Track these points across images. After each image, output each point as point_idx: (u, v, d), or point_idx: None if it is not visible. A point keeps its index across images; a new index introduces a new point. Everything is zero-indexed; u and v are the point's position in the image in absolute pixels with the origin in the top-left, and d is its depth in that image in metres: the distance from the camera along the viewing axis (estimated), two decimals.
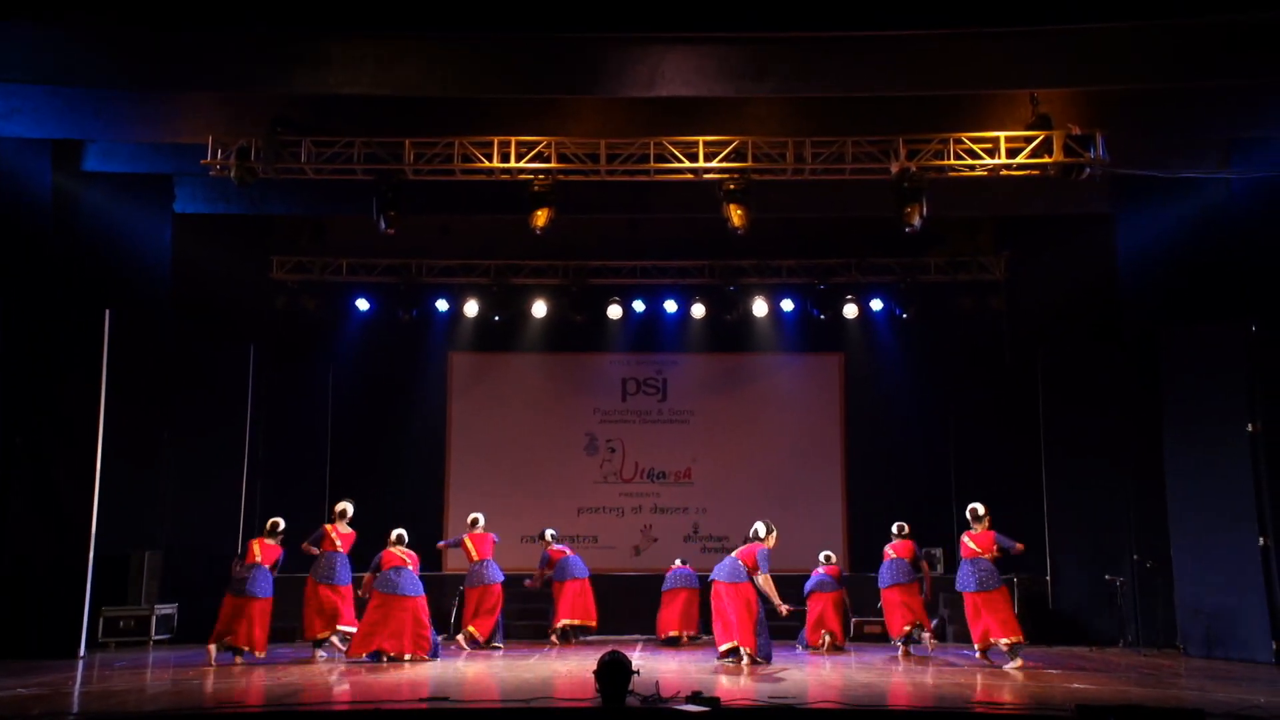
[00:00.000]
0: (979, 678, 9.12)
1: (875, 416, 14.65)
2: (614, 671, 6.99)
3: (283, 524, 10.68)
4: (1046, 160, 10.17)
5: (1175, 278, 11.48)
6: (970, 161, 10.39)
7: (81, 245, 11.21)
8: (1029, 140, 10.20)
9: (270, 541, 10.55)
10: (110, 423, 11.02)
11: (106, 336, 10.93)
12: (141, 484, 12.02)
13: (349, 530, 10.97)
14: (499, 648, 11.58)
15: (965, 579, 10.23)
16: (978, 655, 10.18)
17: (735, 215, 10.56)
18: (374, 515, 10.85)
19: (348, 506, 11.00)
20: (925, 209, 10.39)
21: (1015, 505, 12.53)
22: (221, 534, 12.31)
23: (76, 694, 8.21)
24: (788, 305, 14.48)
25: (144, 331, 11.79)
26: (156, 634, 11.75)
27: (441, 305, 14.47)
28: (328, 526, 10.90)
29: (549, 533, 12.53)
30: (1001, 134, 10.26)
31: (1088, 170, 10.08)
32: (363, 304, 14.42)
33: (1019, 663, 9.81)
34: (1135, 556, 11.77)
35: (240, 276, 13.54)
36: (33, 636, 10.52)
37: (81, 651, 10.59)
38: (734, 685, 8.47)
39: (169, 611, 12.06)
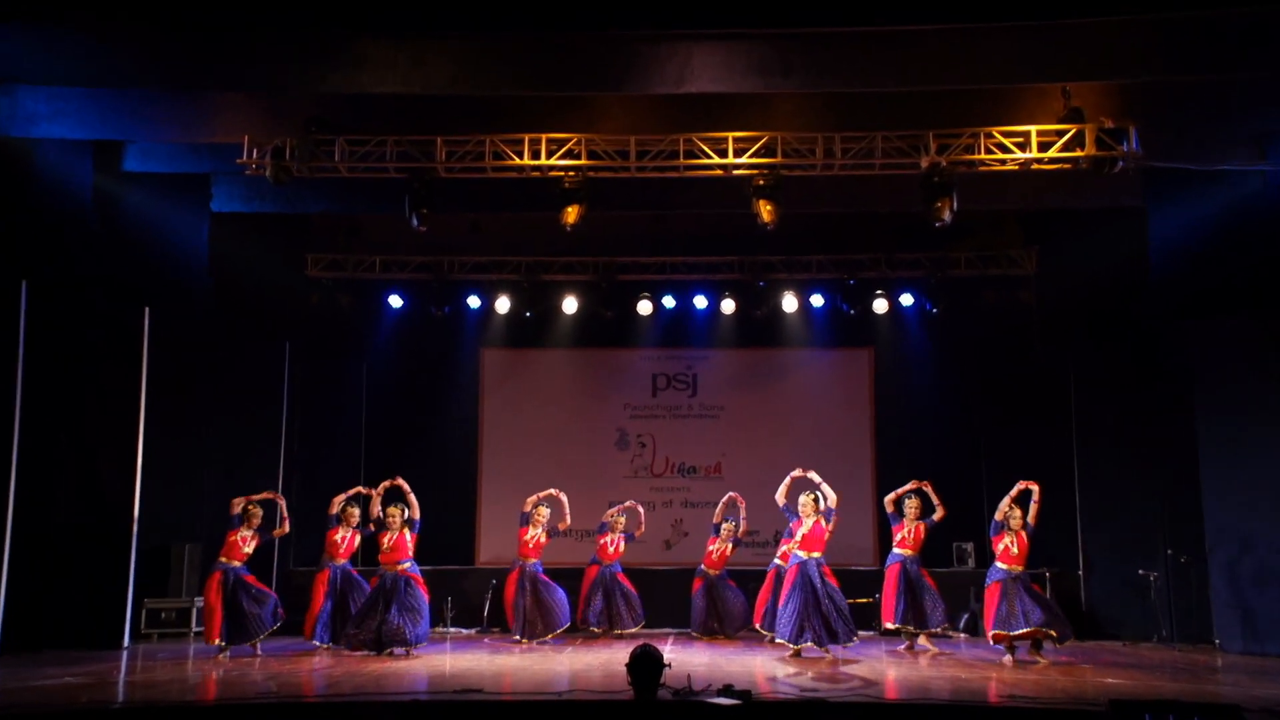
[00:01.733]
0: (1009, 673, 9.04)
1: (905, 411, 14.54)
2: (646, 664, 7.01)
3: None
4: (1079, 154, 10.04)
5: (1208, 270, 11.32)
6: (1001, 156, 10.27)
7: (121, 244, 11.29)
8: (1061, 134, 10.06)
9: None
10: (150, 418, 11.15)
11: (146, 333, 11.05)
12: (181, 478, 12.11)
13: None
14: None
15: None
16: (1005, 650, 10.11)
17: (765, 211, 10.48)
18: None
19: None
20: (955, 203, 10.29)
21: (1047, 500, 12.25)
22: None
23: (121, 683, 8.36)
24: (817, 300, 14.38)
25: (182, 328, 11.87)
26: (197, 626, 11.81)
27: (473, 302, 14.46)
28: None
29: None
30: (1033, 128, 10.14)
31: (1120, 164, 9.94)
32: (396, 301, 14.43)
33: (1045, 660, 9.74)
34: (1169, 550, 11.63)
35: (276, 274, 13.56)
36: (78, 627, 10.64)
37: (125, 642, 10.76)
38: (767, 678, 8.45)
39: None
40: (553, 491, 11.86)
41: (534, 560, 11.76)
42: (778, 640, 10.29)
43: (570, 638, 11.99)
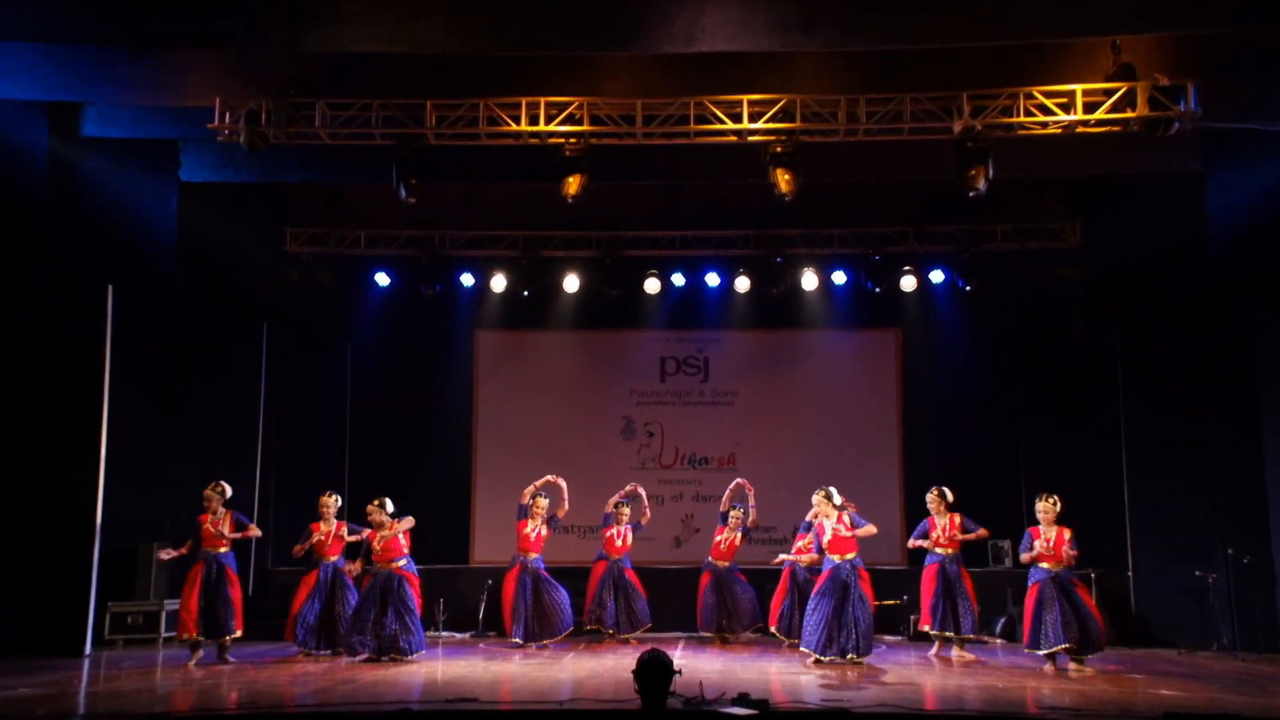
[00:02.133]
0: (1050, 682, 9.01)
1: (935, 398, 14.50)
2: (654, 671, 6.93)
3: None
4: (1129, 115, 9.89)
5: (1273, 243, 11.16)
6: (1043, 118, 10.15)
7: (81, 216, 11.19)
8: (1109, 93, 9.93)
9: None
10: (115, 407, 11.08)
11: (110, 315, 10.97)
12: (149, 472, 12.08)
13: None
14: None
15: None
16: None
17: (782, 180, 10.44)
18: (398, 503, 10.87)
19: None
20: (991, 171, 10.19)
21: (1092, 494, 12.36)
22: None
23: (82, 694, 8.32)
24: (839, 278, 14.34)
25: (149, 308, 11.81)
26: (166, 631, 11.83)
27: (466, 279, 14.45)
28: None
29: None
30: (1078, 87, 10.01)
31: (1176, 125, 9.78)
32: (382, 278, 14.41)
33: (1090, 670, 9.70)
34: (1230, 551, 11.48)
35: (251, 249, 13.51)
36: (35, 634, 10.62)
37: (87, 649, 10.71)
38: (785, 686, 8.43)
39: (179, 607, 12.09)
40: (550, 478, 11.87)
41: (535, 555, 11.75)
42: (802, 649, 10.27)
43: (573, 642, 11.99)
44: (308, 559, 11.21)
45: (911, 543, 11.04)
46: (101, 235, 11.37)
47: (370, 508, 10.62)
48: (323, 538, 11.11)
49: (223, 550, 10.43)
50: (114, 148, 11.39)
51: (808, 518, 11.33)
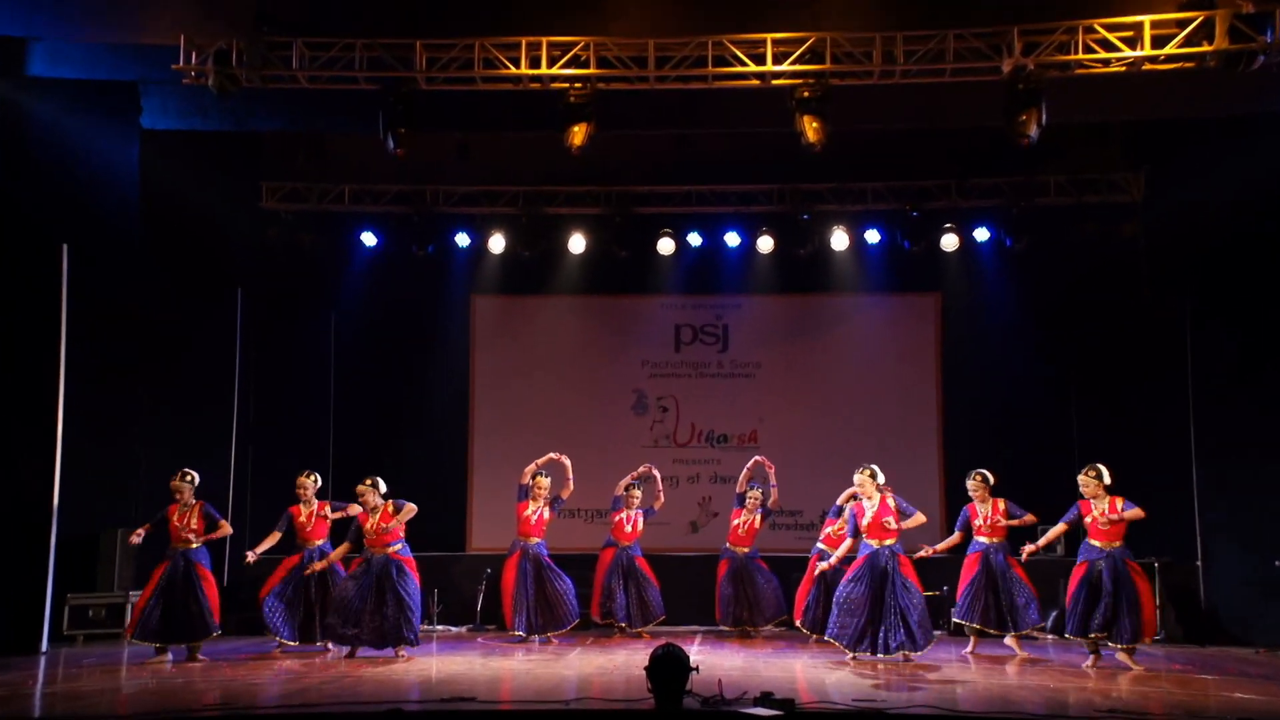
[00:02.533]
0: (1111, 683, 8.90)
1: (979, 370, 14.40)
2: (669, 668, 6.95)
3: None
4: (1206, 49, 9.74)
5: None
6: (1104, 55, 10.01)
7: (29, 166, 11.05)
8: (1182, 25, 9.78)
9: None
10: (72, 379, 10.98)
11: (65, 277, 10.86)
12: (111, 452, 11.99)
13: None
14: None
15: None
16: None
17: (810, 129, 10.41)
18: (388, 486, 10.75)
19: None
20: (1044, 116, 10.12)
21: (1156, 475, 12.16)
22: None
23: (38, 695, 8.25)
24: (873, 236, 14.24)
25: (109, 271, 11.69)
26: None
27: (462, 240, 14.42)
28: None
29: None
30: (1146, 18, 9.86)
31: (1261, 59, 9.60)
32: (369, 238, 14.36)
33: (1139, 667, 9.63)
34: None
35: (223, 206, 13.38)
36: None
37: (44, 646, 10.67)
38: (813, 684, 8.41)
39: None
40: (553, 455, 11.82)
41: (537, 540, 11.71)
42: (828, 639, 10.21)
43: (580, 635, 11.98)
44: (289, 542, 11.12)
45: (954, 538, 10.89)
46: (53, 188, 11.21)
47: (362, 488, 10.54)
48: (304, 520, 11.04)
49: (194, 546, 10.33)
50: (66, 90, 11.27)
51: (839, 501, 11.25)
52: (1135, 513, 9.82)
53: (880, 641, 9.86)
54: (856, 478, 10.32)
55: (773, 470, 12.14)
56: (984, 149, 13.12)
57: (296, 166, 14.03)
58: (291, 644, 10.73)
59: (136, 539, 10.32)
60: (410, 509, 10.50)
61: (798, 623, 11.69)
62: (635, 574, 12.25)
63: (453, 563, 13.61)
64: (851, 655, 9.97)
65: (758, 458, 12.31)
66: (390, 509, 10.46)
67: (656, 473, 12.46)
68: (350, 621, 10.26)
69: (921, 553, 10.41)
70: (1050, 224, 13.76)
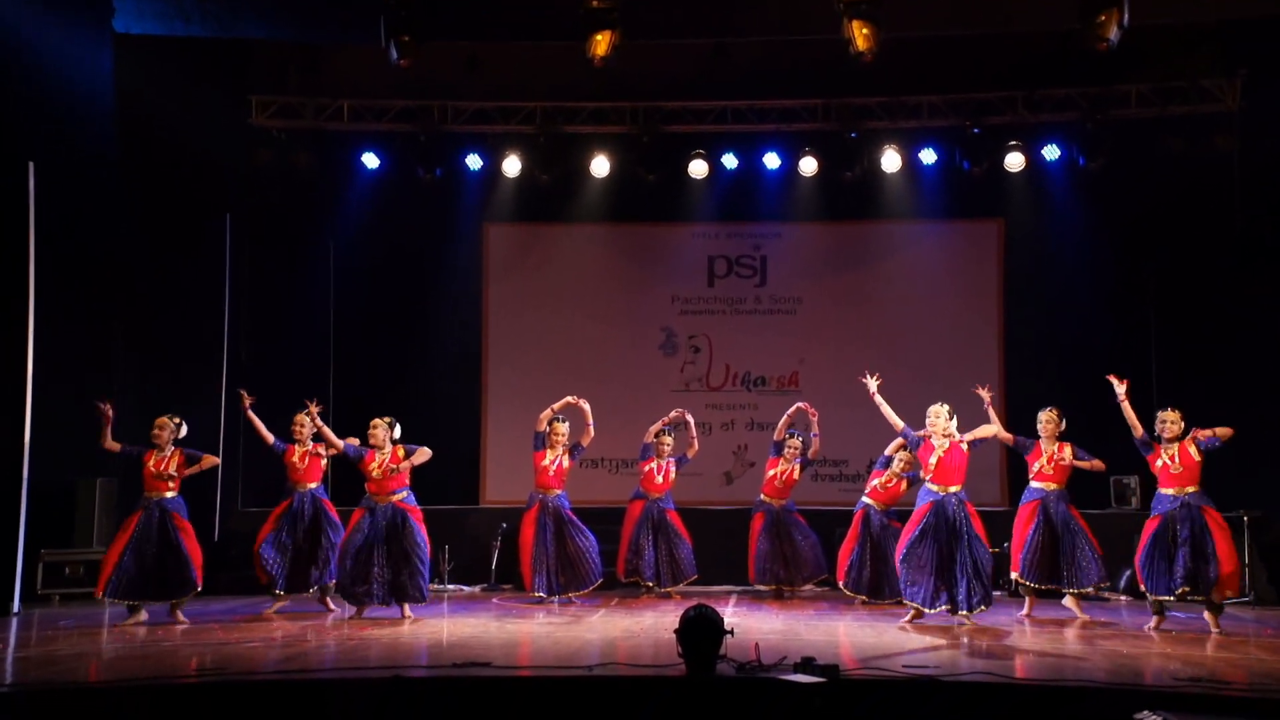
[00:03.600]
0: (1192, 647, 8.83)
1: (1046, 305, 14.33)
2: (701, 631, 6.99)
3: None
4: None
5: None
6: None
7: None
8: None
9: None
10: (43, 316, 10.98)
11: (32, 199, 10.82)
12: (88, 395, 11.76)
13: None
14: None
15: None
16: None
17: (860, 35, 10.37)
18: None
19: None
20: (1126, 15, 9.99)
21: (1246, 420, 11.89)
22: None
23: (9, 660, 8.28)
24: (928, 156, 14.11)
25: (83, 194, 11.69)
26: None
27: (473, 162, 14.35)
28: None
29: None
30: None
31: None
32: (371, 160, 14.29)
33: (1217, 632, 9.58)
34: None
35: (209, 122, 13.26)
36: None
37: (16, 607, 10.74)
38: (858, 649, 8.42)
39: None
40: (570, 399, 11.78)
41: (557, 492, 11.75)
42: (905, 602, 10.15)
43: (604, 595, 12.04)
44: (280, 486, 11.19)
45: (1006, 435, 10.84)
46: (16, 100, 11.11)
47: (376, 422, 10.60)
48: (297, 461, 11.10)
49: (169, 495, 10.37)
50: None
51: (887, 451, 11.19)
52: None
53: (960, 599, 9.81)
54: (933, 412, 10.23)
55: (816, 417, 12.11)
56: (1055, 56, 12.98)
57: (290, 80, 13.95)
58: (282, 596, 10.82)
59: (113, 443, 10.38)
60: (424, 453, 10.54)
61: (840, 584, 11.66)
62: (666, 529, 12.30)
63: (465, 516, 13.71)
64: (914, 612, 9.97)
65: (800, 404, 12.28)
66: (401, 452, 10.51)
67: (690, 418, 12.44)
68: (360, 578, 10.32)
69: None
70: (1130, 140, 13.55)
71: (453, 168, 14.32)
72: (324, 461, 11.24)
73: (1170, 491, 9.86)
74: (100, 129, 11.85)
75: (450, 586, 12.85)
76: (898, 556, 10.13)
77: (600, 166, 14.25)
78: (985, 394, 10.46)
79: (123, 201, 12.35)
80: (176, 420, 10.45)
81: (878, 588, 11.29)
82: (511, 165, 14.24)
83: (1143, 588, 9.98)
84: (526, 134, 14.19)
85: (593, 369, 14.39)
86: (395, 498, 10.49)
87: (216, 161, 13.57)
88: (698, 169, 14.13)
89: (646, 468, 12.37)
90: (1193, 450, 9.80)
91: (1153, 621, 9.77)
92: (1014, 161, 13.77)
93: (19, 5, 11.18)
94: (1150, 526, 9.93)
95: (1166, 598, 9.72)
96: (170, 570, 10.18)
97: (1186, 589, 9.61)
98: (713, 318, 14.84)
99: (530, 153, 14.20)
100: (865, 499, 11.67)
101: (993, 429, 10.38)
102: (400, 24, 10.57)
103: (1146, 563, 9.85)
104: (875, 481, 11.58)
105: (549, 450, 11.71)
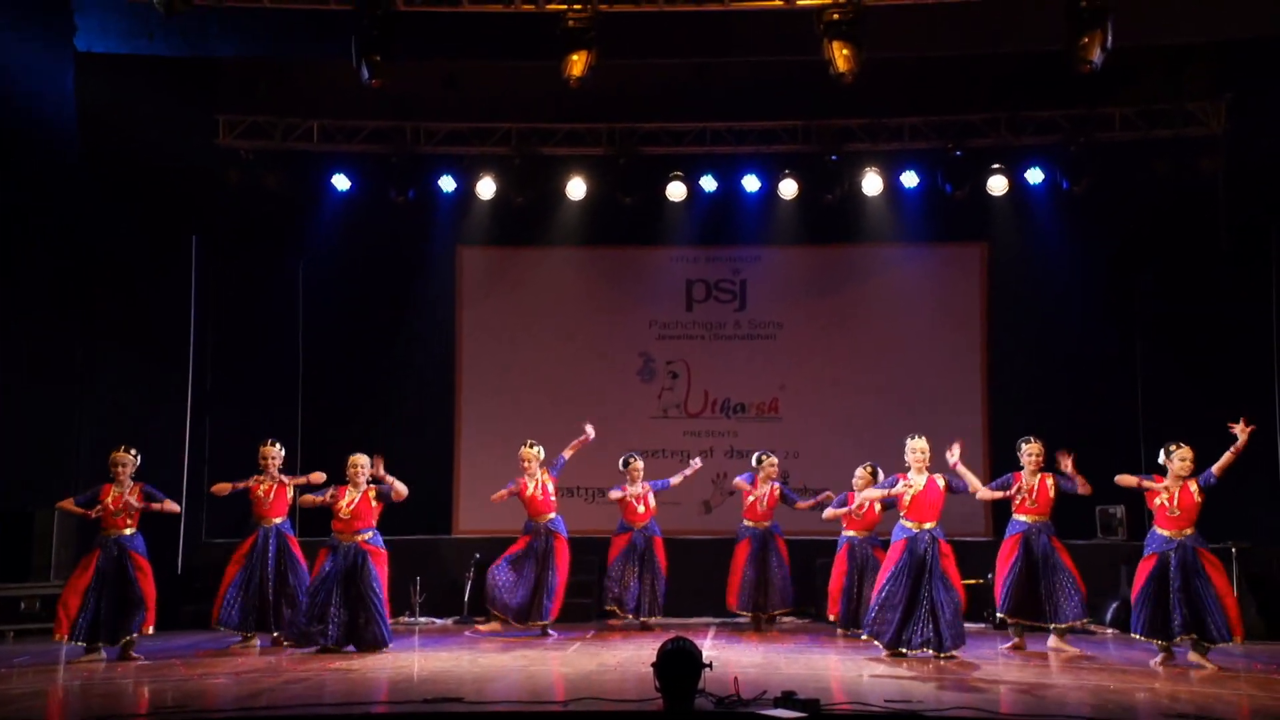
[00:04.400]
0: (1170, 683, 8.84)
1: (1030, 329, 14.36)
2: (679, 664, 6.98)
3: None
4: None
5: None
6: None
7: None
8: None
9: None
10: (2, 339, 11.08)
11: None
12: (48, 418, 12.00)
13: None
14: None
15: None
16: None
17: (840, 57, 10.40)
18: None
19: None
20: (1109, 38, 10.01)
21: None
22: (158, 482, 12.09)
23: None
24: (910, 179, 14.14)
25: (44, 216, 11.74)
26: None
27: (446, 184, 14.36)
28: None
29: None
30: None
31: None
32: (341, 181, 14.28)
33: (1213, 666, 9.54)
34: None
35: (175, 141, 13.24)
36: None
37: None
38: (840, 682, 8.45)
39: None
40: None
41: (550, 516, 11.84)
42: (870, 639, 10.21)
43: (580, 627, 12.08)
44: (242, 525, 11.07)
45: (986, 492, 10.77)
46: None
47: (358, 457, 10.55)
48: (262, 495, 10.99)
49: (127, 532, 10.21)
50: None
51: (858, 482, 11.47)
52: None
53: (905, 637, 9.88)
54: (911, 444, 10.23)
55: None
56: (1038, 78, 13.02)
57: (258, 99, 13.92)
58: (250, 638, 10.78)
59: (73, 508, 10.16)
60: (400, 493, 10.50)
61: (831, 618, 11.74)
62: (652, 559, 12.35)
63: (437, 547, 13.69)
64: (886, 653, 9.99)
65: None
66: (372, 494, 10.47)
67: (697, 462, 12.72)
68: (316, 617, 10.27)
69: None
70: (1114, 162, 13.63)
71: (426, 190, 14.30)
72: (290, 494, 11.13)
73: (1167, 533, 9.79)
74: (64, 148, 11.83)
75: (422, 619, 12.80)
76: (874, 594, 10.17)
77: (576, 189, 14.26)
78: (955, 453, 10.21)
79: (87, 222, 12.33)
80: (134, 453, 10.30)
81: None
82: (486, 187, 14.24)
83: (1137, 634, 9.86)
84: (501, 155, 14.24)
85: (569, 395, 14.35)
86: (360, 538, 10.44)
87: (183, 181, 13.50)
88: (676, 191, 14.16)
89: (624, 499, 12.36)
90: (1194, 489, 9.73)
91: (1158, 658, 9.65)
92: (997, 184, 13.81)
93: None
94: (1146, 567, 9.84)
95: (1162, 641, 9.65)
96: (126, 611, 10.02)
97: (1194, 636, 9.54)
98: (691, 343, 14.84)
99: (505, 174, 14.22)
100: (846, 531, 11.70)
101: (973, 483, 10.33)
102: (372, 42, 10.53)
103: (1143, 605, 9.75)
104: (847, 508, 11.61)
105: (527, 478, 11.71)
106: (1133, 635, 9.98)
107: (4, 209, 10.92)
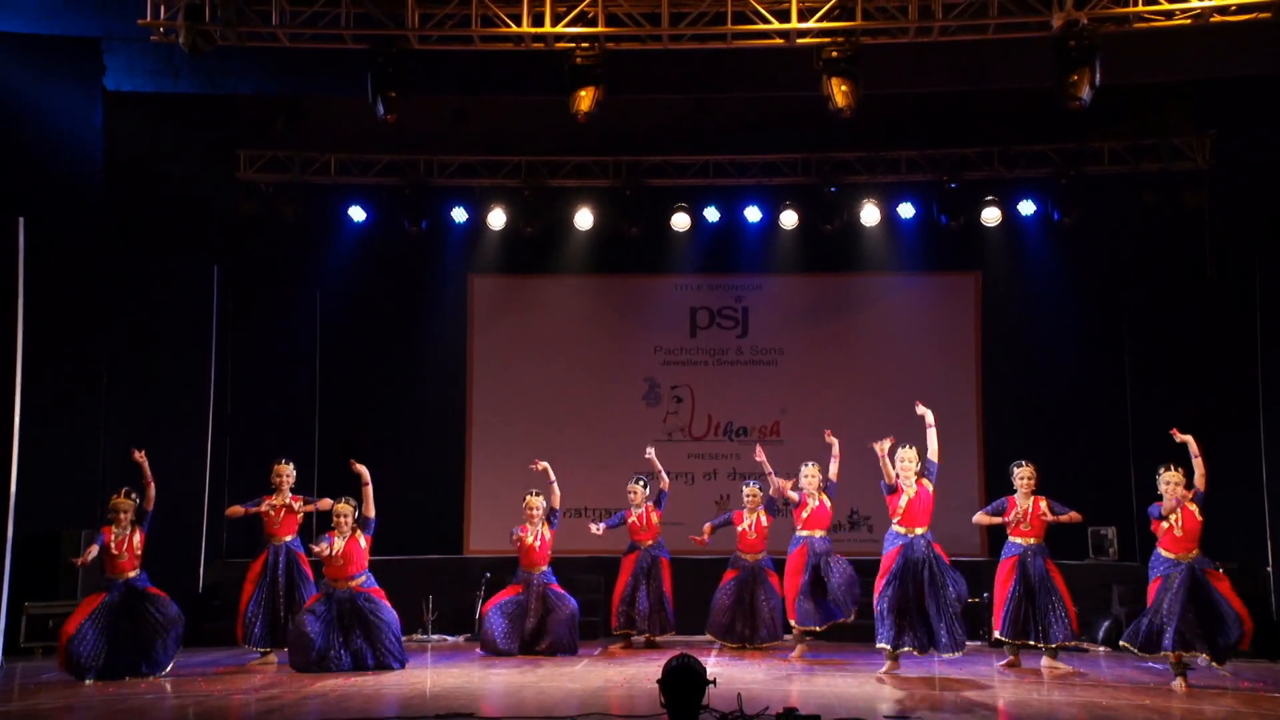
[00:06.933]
0: (1169, 701, 8.82)
1: (1023, 357, 14.35)
2: (684, 681, 6.96)
3: None
4: None
5: None
6: (1166, 6, 10.04)
7: None
8: None
9: None
10: (32, 366, 10.97)
11: (21, 253, 10.84)
12: (75, 444, 11.97)
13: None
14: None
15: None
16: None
17: (838, 93, 10.41)
18: (377, 482, 10.76)
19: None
20: (1098, 76, 10.06)
21: (1220, 471, 11.97)
22: (179, 505, 12.28)
23: None
24: (907, 210, 14.22)
25: (71, 246, 11.70)
26: None
27: (458, 215, 14.42)
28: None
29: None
30: None
31: None
32: (357, 213, 14.36)
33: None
34: None
35: (197, 176, 13.37)
36: None
37: None
38: (842, 699, 8.38)
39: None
40: (535, 465, 11.68)
41: (543, 569, 11.62)
42: (879, 644, 10.17)
43: (586, 644, 11.99)
44: (256, 543, 11.08)
45: (981, 517, 10.87)
46: (6, 155, 11.20)
47: (341, 508, 10.51)
48: (272, 512, 10.98)
49: (132, 574, 9.96)
50: (20, 46, 11.25)
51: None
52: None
53: (942, 641, 9.87)
54: (901, 454, 10.31)
55: (765, 459, 11.86)
56: (1030, 113, 13.10)
57: (277, 134, 14.00)
58: (269, 653, 10.75)
59: (85, 561, 9.94)
60: (368, 504, 10.53)
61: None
62: (658, 577, 12.23)
63: (449, 566, 13.61)
64: (892, 656, 10.03)
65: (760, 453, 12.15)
66: (359, 537, 10.44)
67: (651, 451, 12.30)
68: (331, 647, 10.24)
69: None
70: (1104, 195, 13.70)
71: (438, 220, 14.36)
72: (299, 514, 11.10)
73: (1172, 556, 9.66)
74: (90, 183, 11.82)
75: (434, 637, 12.74)
76: (875, 600, 10.13)
77: (584, 219, 14.30)
78: (884, 446, 10.28)
79: (112, 253, 12.35)
80: (134, 497, 10.08)
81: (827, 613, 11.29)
82: (496, 218, 14.28)
83: (1143, 654, 9.74)
84: (511, 187, 14.28)
85: (576, 419, 14.37)
86: (354, 582, 10.39)
87: (204, 213, 13.62)
88: (680, 222, 14.20)
89: (630, 521, 12.28)
90: (1195, 510, 9.64)
91: (1177, 680, 9.39)
92: (990, 216, 13.84)
93: (11, 64, 11.27)
94: (1152, 591, 9.71)
95: (1185, 653, 9.44)
96: (141, 650, 9.84)
97: (1208, 656, 9.45)
98: (695, 368, 14.82)
99: (515, 206, 14.27)
100: (800, 532, 11.54)
101: (889, 474, 10.30)
102: (386, 79, 10.57)
103: (1148, 626, 9.60)
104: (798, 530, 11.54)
105: (529, 525, 11.58)
106: (1126, 646, 9.82)
107: (34, 240, 10.95)
